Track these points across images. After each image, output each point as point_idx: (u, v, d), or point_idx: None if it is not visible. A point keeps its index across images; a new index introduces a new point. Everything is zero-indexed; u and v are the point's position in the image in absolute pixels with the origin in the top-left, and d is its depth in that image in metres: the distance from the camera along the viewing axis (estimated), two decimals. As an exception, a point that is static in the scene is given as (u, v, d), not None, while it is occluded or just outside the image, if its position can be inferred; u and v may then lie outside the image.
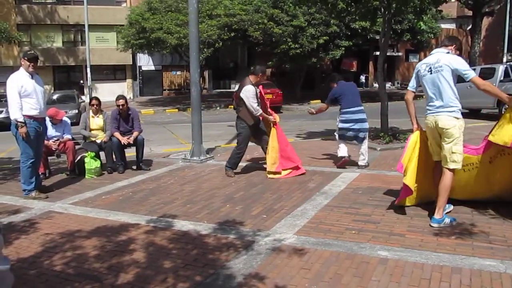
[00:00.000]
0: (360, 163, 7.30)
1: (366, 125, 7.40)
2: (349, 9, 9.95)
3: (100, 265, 3.78)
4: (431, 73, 4.58)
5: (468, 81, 4.49)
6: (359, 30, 22.89)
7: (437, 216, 4.45)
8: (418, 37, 25.49)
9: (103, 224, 4.89)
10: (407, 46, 32.94)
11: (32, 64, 5.89)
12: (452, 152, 4.46)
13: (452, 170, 4.49)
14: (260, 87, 7.28)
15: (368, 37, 24.44)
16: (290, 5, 16.24)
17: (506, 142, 4.41)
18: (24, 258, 3.98)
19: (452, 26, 39.88)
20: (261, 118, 7.11)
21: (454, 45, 4.71)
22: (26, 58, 5.86)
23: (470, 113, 15.78)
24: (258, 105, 6.92)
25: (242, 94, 6.87)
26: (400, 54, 35.49)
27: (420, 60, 39.02)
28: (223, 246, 4.10)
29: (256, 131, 7.14)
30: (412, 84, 4.92)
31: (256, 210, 5.21)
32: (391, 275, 3.43)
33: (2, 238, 1.36)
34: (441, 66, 4.49)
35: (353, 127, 7.25)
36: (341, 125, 7.32)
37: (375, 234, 4.29)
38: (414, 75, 4.86)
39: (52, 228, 4.79)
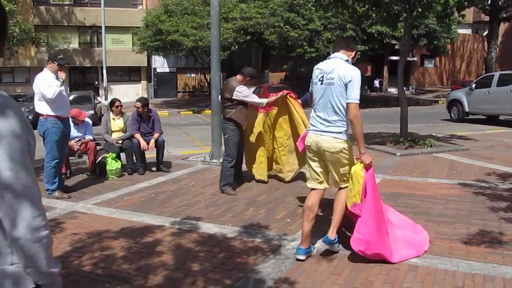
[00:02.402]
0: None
1: None
2: (369, 13, 9.90)
3: (129, 266, 3.79)
4: (321, 83, 3.85)
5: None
6: (375, 35, 22.81)
7: (331, 236, 3.86)
8: (435, 42, 25.32)
9: (127, 225, 4.90)
10: (422, 51, 32.74)
11: (62, 70, 5.94)
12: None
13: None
14: None
15: (384, 42, 24.33)
16: (311, 8, 16.20)
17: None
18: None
19: (468, 31, 39.59)
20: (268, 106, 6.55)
21: (354, 51, 4.08)
22: (56, 63, 5.89)
23: (488, 120, 15.64)
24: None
25: (235, 97, 6.14)
26: (415, 59, 35.27)
27: (435, 65, 38.97)
28: (250, 250, 4.09)
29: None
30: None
31: (280, 214, 5.20)
32: (422, 282, 3.40)
33: (51, 237, 1.34)
34: (333, 78, 3.77)
35: None
36: None
37: (403, 240, 4.25)
38: None
39: (78, 228, 4.81)
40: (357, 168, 3.83)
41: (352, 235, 3.76)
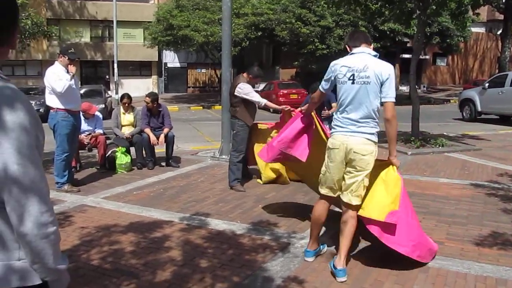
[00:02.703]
0: None
1: None
2: (382, 10, 9.80)
3: (137, 261, 3.78)
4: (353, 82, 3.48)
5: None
6: (388, 32, 22.62)
7: (342, 266, 3.43)
8: (448, 40, 25.05)
9: (136, 220, 4.89)
10: (435, 49, 32.42)
11: (73, 64, 5.94)
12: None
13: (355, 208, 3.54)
14: None
15: (397, 39, 24.12)
16: (323, 4, 16.09)
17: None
18: (62, 251, 3.99)
19: (482, 30, 39.11)
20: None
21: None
22: (67, 58, 5.89)
23: (501, 119, 15.45)
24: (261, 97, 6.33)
25: (237, 93, 6.10)
26: (427, 57, 34.93)
27: (448, 64, 38.58)
28: (258, 247, 4.06)
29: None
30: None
31: (289, 211, 5.15)
32: (433, 284, 3.35)
33: (59, 233, 1.32)
34: (368, 77, 3.43)
35: None
36: None
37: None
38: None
39: (87, 222, 4.81)
40: (392, 172, 3.63)
41: (406, 245, 3.51)
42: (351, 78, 3.46)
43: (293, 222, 4.78)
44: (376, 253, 3.88)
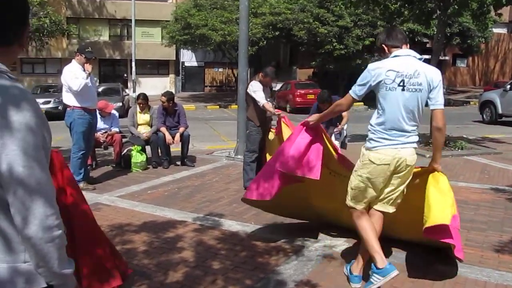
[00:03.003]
0: None
1: None
2: (402, 10, 9.66)
3: (149, 261, 3.75)
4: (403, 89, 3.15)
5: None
6: (407, 33, 22.31)
7: (359, 272, 3.34)
8: (468, 41, 24.64)
9: (150, 219, 4.88)
10: (455, 50, 31.95)
11: (89, 63, 5.96)
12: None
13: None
14: None
15: (416, 40, 23.79)
16: (341, 6, 15.95)
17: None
18: (75, 249, 4.00)
19: (503, 30, 38.44)
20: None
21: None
22: (84, 56, 5.91)
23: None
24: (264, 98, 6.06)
25: (248, 91, 6.12)
26: (447, 58, 34.45)
27: (468, 65, 37.99)
28: (272, 250, 4.00)
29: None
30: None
31: (304, 213, 5.09)
32: (451, 292, 3.25)
33: (65, 237, 1.28)
34: (421, 84, 3.15)
35: None
36: None
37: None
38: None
39: (101, 221, 4.79)
40: (443, 177, 3.50)
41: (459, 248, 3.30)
42: (401, 84, 3.11)
43: (308, 224, 4.71)
44: (392, 258, 3.80)
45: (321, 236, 4.35)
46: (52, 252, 1.25)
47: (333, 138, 6.61)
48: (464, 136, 11.54)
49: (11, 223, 1.25)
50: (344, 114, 6.84)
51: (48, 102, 18.46)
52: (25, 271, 1.29)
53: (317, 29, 21.69)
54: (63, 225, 1.30)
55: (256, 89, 5.99)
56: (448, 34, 23.64)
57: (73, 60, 6.04)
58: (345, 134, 7.37)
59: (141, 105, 7.88)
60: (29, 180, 1.21)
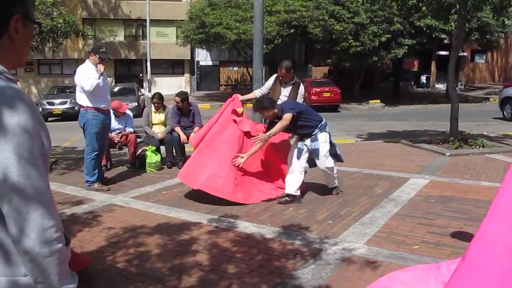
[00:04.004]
0: None
1: None
2: (419, 5, 9.43)
3: (163, 265, 3.66)
4: None
5: None
6: (424, 28, 21.91)
7: None
8: (488, 36, 24.09)
9: (164, 221, 4.80)
10: (473, 46, 31.34)
11: (102, 63, 5.89)
12: None
13: None
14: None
15: (433, 36, 23.34)
16: (358, 1, 15.64)
17: None
18: (88, 252, 3.93)
19: (523, 25, 37.68)
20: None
21: None
22: (98, 57, 5.85)
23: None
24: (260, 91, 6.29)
25: None
26: (465, 54, 33.81)
27: (487, 61, 37.27)
28: (289, 253, 3.88)
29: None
30: None
31: (321, 215, 4.96)
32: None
33: (69, 252, 1.16)
34: None
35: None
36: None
37: (454, 249, 3.92)
38: None
39: (115, 222, 4.75)
40: None
41: None
42: None
43: (325, 226, 4.58)
44: (411, 261, 3.65)
45: (339, 238, 4.21)
46: (52, 268, 1.15)
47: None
48: (485, 133, 11.25)
49: (8, 234, 1.16)
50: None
51: (65, 103, 18.59)
52: (25, 285, 1.19)
53: (332, 26, 21.40)
54: (63, 239, 1.20)
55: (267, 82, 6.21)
56: (467, 30, 23.15)
57: (87, 60, 5.99)
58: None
59: (156, 105, 7.81)
60: (26, 190, 1.11)
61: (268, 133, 5.35)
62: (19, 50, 1.28)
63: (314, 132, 5.40)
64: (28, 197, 1.11)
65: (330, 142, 5.54)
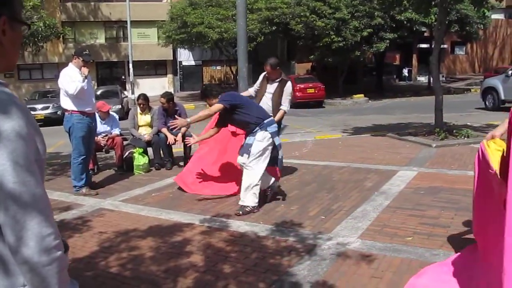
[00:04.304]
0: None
1: None
2: (401, -1, 9.50)
3: (157, 268, 3.62)
4: None
5: None
6: (405, 22, 22.08)
7: None
8: (467, 28, 24.37)
9: (155, 223, 4.75)
10: (453, 38, 31.70)
11: (86, 66, 5.80)
12: None
13: None
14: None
15: (414, 29, 23.54)
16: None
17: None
18: (80, 258, 3.87)
19: (500, 16, 38.23)
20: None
21: None
22: (82, 59, 5.76)
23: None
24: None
25: None
26: (445, 46, 34.20)
27: (467, 52, 37.73)
28: (283, 250, 3.87)
29: None
30: None
31: (313, 210, 4.96)
32: None
33: (67, 258, 1.13)
34: None
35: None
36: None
37: (447, 239, 3.96)
38: None
39: (106, 227, 4.69)
40: None
41: None
42: None
43: (318, 221, 4.58)
44: (405, 253, 3.67)
45: (333, 233, 4.22)
46: (51, 277, 1.11)
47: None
48: (469, 124, 11.40)
49: (6, 243, 1.12)
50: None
51: (47, 108, 18.33)
52: (25, 295, 1.16)
53: (314, 22, 21.46)
54: (62, 246, 1.16)
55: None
56: (447, 22, 23.39)
57: (70, 64, 5.89)
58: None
59: (141, 106, 7.73)
60: (22, 197, 1.07)
61: (188, 119, 5.32)
62: (8, 53, 1.23)
63: (255, 130, 4.98)
64: (25, 204, 1.08)
65: (274, 145, 5.02)
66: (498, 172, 2.89)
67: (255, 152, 4.91)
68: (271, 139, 4.97)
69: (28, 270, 1.09)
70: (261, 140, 4.94)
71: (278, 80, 6.05)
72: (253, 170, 4.91)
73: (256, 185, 4.92)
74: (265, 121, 5.01)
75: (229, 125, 5.55)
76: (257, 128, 4.98)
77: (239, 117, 5.05)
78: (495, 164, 2.94)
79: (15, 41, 1.24)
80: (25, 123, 1.11)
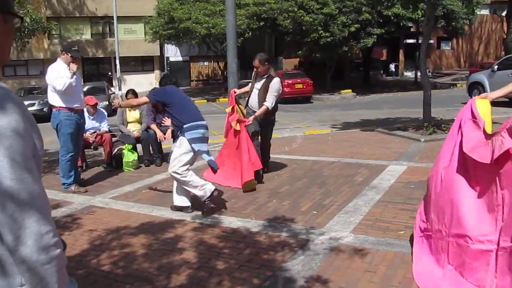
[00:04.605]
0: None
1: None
2: (390, -6, 9.51)
3: (149, 265, 3.59)
4: None
5: None
6: (392, 17, 22.16)
7: None
8: (453, 23, 24.55)
9: (147, 220, 4.71)
10: (439, 33, 31.93)
11: (75, 62, 5.71)
12: None
13: None
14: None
15: (401, 24, 23.65)
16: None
17: None
18: (71, 256, 3.82)
19: (486, 12, 38.58)
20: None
21: None
22: (70, 55, 5.67)
23: (512, 102, 15.14)
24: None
25: None
26: (431, 41, 34.43)
27: (452, 48, 38.04)
28: (276, 245, 3.86)
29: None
30: None
31: (305, 205, 4.95)
32: (466, 280, 3.13)
33: (64, 256, 1.10)
34: None
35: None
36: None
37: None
38: None
39: (96, 224, 4.63)
40: None
41: None
42: None
43: (310, 217, 4.57)
44: (398, 247, 3.68)
45: (325, 228, 4.22)
46: (51, 275, 1.08)
47: None
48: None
49: (2, 243, 1.09)
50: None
51: (33, 105, 18.03)
52: (22, 295, 1.13)
53: (302, 17, 21.45)
54: (61, 244, 1.13)
55: None
56: (433, 17, 23.52)
57: (58, 59, 5.80)
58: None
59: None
60: (19, 194, 1.04)
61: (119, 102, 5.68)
62: (1, 46, 1.20)
63: (177, 133, 4.87)
64: (22, 202, 1.05)
65: (193, 150, 4.73)
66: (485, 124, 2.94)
67: (173, 158, 4.75)
68: (188, 145, 4.68)
69: (27, 269, 1.06)
70: (178, 146, 4.76)
71: (266, 76, 6.02)
72: (178, 176, 4.70)
73: (185, 187, 4.78)
74: (185, 126, 4.70)
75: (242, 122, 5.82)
76: (178, 132, 4.81)
77: (169, 116, 5.02)
78: (484, 117, 3.00)
79: (7, 35, 1.21)
80: (22, 119, 1.08)
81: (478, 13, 30.14)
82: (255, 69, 6.11)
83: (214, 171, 4.92)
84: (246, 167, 5.62)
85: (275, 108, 6.10)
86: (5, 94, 1.09)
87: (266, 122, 6.14)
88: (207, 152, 4.84)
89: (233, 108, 5.97)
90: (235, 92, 6.26)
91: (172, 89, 5.08)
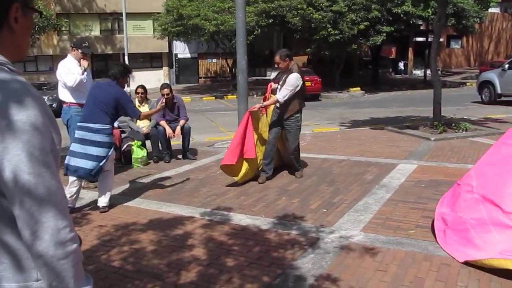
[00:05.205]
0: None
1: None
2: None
3: (159, 261, 3.59)
4: None
5: None
6: (402, 15, 22.01)
7: None
8: (463, 21, 24.34)
9: (156, 216, 4.71)
10: (449, 31, 31.67)
11: (85, 58, 5.74)
12: None
13: None
14: None
15: (411, 22, 23.48)
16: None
17: None
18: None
19: (496, 10, 38.22)
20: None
21: None
22: (80, 51, 5.68)
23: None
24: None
25: None
26: (441, 40, 34.15)
27: (462, 46, 37.74)
28: (286, 243, 3.85)
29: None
30: None
31: (315, 203, 4.93)
32: (478, 281, 3.11)
33: (81, 251, 1.10)
34: None
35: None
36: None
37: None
38: None
39: (106, 220, 4.65)
40: None
41: None
42: None
43: (320, 215, 4.56)
44: (409, 246, 3.66)
45: (335, 226, 4.20)
46: (67, 270, 1.08)
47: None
48: (466, 117, 11.39)
49: (19, 237, 1.08)
50: None
51: (42, 100, 18.19)
52: (38, 291, 1.13)
53: (311, 15, 21.34)
54: (77, 239, 1.13)
55: None
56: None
57: (68, 55, 5.82)
58: None
59: (140, 95, 7.65)
60: (37, 189, 1.04)
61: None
62: (19, 40, 1.19)
63: None
64: (40, 197, 1.04)
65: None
66: None
67: None
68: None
69: (43, 264, 1.06)
70: None
71: (287, 71, 5.96)
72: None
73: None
74: (78, 124, 4.92)
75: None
76: None
77: None
78: None
79: (27, 29, 1.21)
80: (41, 113, 1.07)
81: (488, 11, 29.89)
82: (276, 65, 6.10)
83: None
84: (230, 150, 5.73)
85: (296, 106, 5.96)
86: (23, 88, 1.08)
87: (289, 121, 6.05)
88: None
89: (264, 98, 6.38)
90: (271, 86, 6.35)
91: (97, 84, 5.32)
